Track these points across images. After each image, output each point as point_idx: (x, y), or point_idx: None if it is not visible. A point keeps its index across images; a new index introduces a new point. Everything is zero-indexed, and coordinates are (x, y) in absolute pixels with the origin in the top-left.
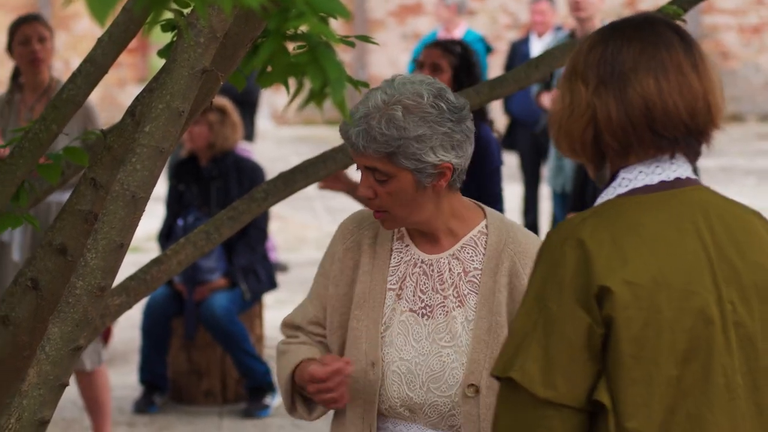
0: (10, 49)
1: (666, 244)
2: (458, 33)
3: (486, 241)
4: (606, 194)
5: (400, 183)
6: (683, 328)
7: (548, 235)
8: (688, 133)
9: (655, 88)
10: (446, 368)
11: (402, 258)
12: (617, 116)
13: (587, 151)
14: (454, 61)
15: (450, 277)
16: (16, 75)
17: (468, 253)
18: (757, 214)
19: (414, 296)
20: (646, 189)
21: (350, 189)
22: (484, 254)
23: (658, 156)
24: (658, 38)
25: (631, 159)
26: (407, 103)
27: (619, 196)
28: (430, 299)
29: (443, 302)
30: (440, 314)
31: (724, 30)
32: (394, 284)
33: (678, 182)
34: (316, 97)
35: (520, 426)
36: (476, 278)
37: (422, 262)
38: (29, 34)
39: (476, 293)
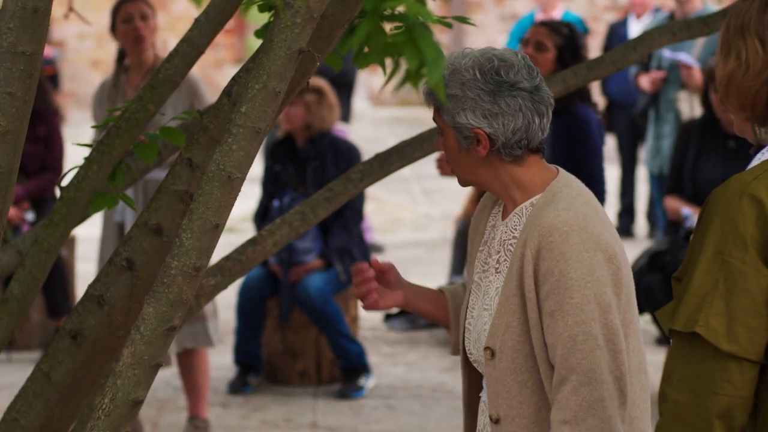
0: (113, 28)
1: None
2: (556, 14)
3: (530, 213)
4: (767, 152)
5: (447, 139)
6: None
7: (718, 191)
8: None
9: None
10: (481, 330)
11: (490, 222)
12: None
13: (757, 110)
14: (560, 41)
15: (498, 244)
16: (121, 57)
17: (514, 222)
18: None
19: (485, 258)
20: None
21: None
22: (524, 225)
23: None
24: None
25: None
26: (455, 65)
27: None
28: (487, 263)
29: (492, 267)
30: (489, 278)
31: None
32: (481, 247)
33: None
34: (413, 77)
35: (700, 378)
36: (512, 247)
37: (493, 227)
38: (131, 12)
39: (508, 261)
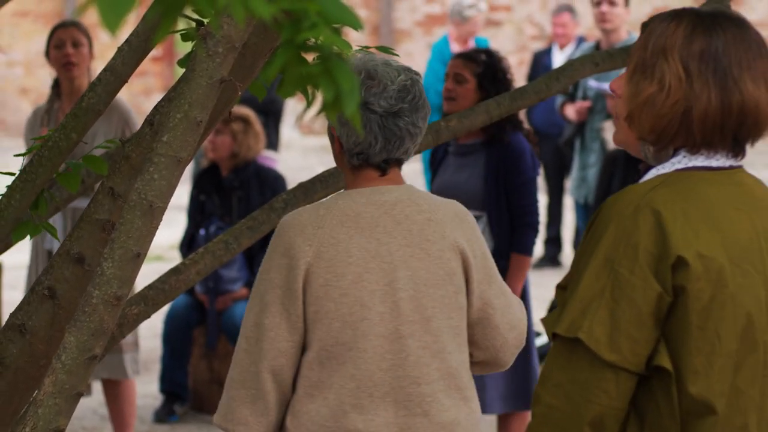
0: (47, 53)
1: (728, 222)
2: (471, 44)
3: None
4: (663, 167)
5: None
6: (742, 304)
7: (613, 199)
8: (759, 137)
9: (755, 95)
10: None
11: None
12: (714, 114)
13: (665, 136)
14: (478, 69)
15: None
16: (56, 84)
17: None
18: None
19: None
20: (706, 168)
21: None
22: None
23: (724, 155)
24: (755, 44)
25: (701, 152)
26: (353, 63)
27: (679, 169)
28: None
29: None
30: None
31: None
32: None
33: (730, 168)
34: (329, 108)
35: (576, 385)
36: None
37: None
38: (63, 38)
39: None
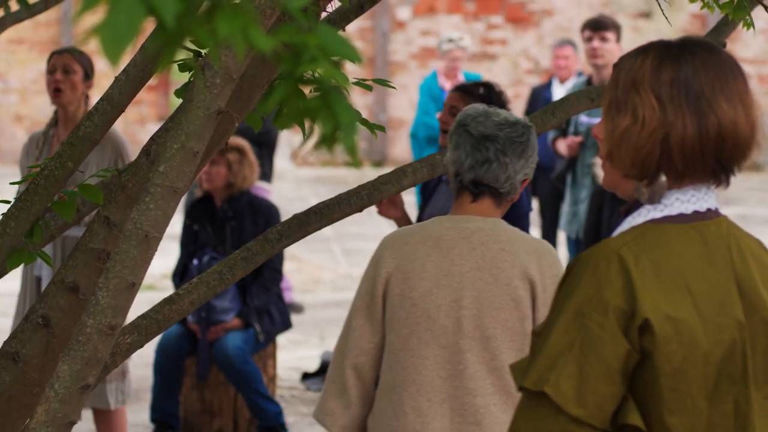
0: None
1: (700, 277)
2: (460, 77)
3: None
4: (639, 215)
5: None
6: (715, 360)
7: (587, 253)
8: (742, 161)
9: (731, 117)
10: None
11: None
12: (692, 140)
13: (647, 168)
14: (474, 102)
15: None
16: (56, 111)
17: None
18: (767, 249)
19: None
20: (681, 218)
21: (402, 218)
22: None
23: (708, 183)
24: (726, 66)
25: (686, 183)
26: None
27: (653, 220)
28: None
29: None
30: None
31: None
32: None
33: (708, 213)
34: (327, 141)
35: None
36: None
37: None
38: (55, 64)
39: None
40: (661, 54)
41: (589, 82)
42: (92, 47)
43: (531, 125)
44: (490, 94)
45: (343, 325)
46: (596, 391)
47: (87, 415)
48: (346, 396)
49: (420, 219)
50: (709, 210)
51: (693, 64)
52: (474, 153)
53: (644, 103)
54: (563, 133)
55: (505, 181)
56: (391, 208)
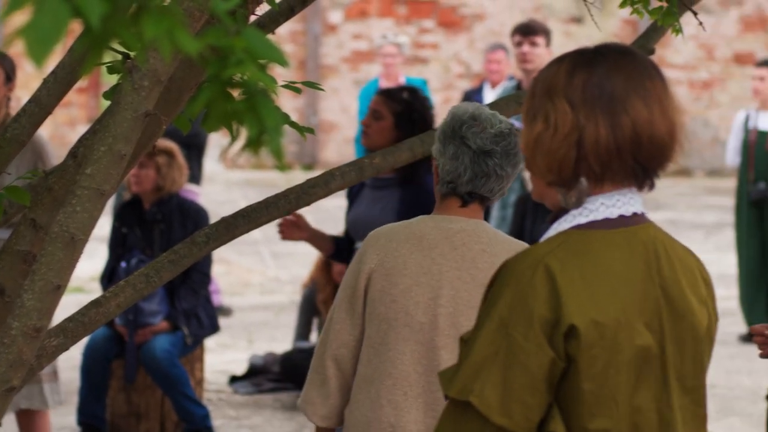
0: None
1: (625, 283)
2: (402, 80)
3: None
4: (565, 221)
5: None
6: (636, 365)
7: (513, 260)
8: (664, 163)
9: (646, 115)
10: None
11: None
12: (606, 140)
13: (564, 172)
14: (397, 108)
15: None
16: None
17: None
18: (694, 256)
19: None
20: (606, 223)
21: (311, 237)
22: None
23: (630, 185)
24: (641, 67)
25: (606, 185)
26: None
27: (579, 226)
28: None
29: None
30: None
31: (674, 85)
32: None
33: (634, 218)
34: (253, 144)
35: None
36: None
37: None
38: None
39: None
40: (575, 60)
41: (518, 86)
42: (19, 49)
43: (518, 132)
44: (414, 99)
45: (326, 318)
46: (521, 400)
47: (8, 419)
48: (327, 387)
49: (346, 222)
50: (635, 214)
51: (605, 66)
52: (473, 167)
53: (557, 108)
54: None
55: (498, 191)
56: (295, 231)
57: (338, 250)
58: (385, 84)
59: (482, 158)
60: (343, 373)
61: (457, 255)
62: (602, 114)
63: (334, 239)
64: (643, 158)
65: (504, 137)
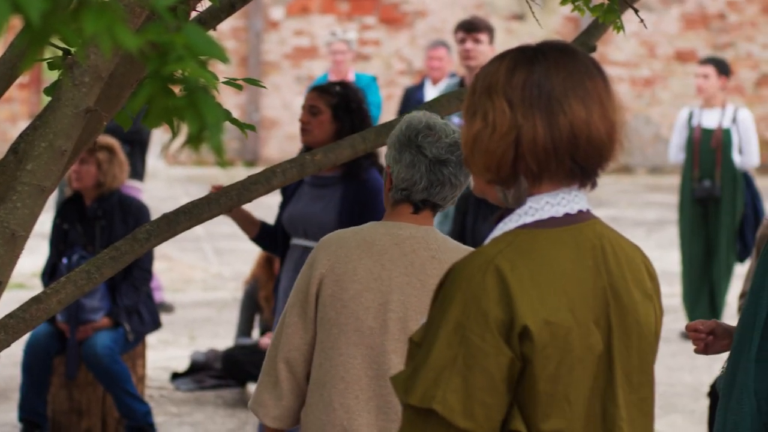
0: None
1: (575, 281)
2: (350, 76)
3: None
4: (511, 221)
5: None
6: (588, 364)
7: (461, 263)
8: (603, 163)
9: (584, 116)
10: None
11: None
12: (543, 140)
13: (502, 171)
14: (333, 101)
15: None
16: None
17: None
18: (640, 251)
19: None
20: (552, 221)
21: (237, 217)
22: None
23: (569, 184)
24: (582, 66)
25: (544, 185)
26: None
27: (525, 225)
28: None
29: None
30: None
31: (616, 82)
32: None
33: (580, 215)
34: (194, 140)
35: None
36: None
37: None
38: None
39: None
40: (515, 58)
41: (461, 83)
42: None
43: None
44: (347, 93)
45: (278, 320)
46: (483, 402)
47: None
48: (279, 389)
49: (279, 218)
50: (580, 212)
51: (545, 65)
52: (429, 175)
53: (495, 107)
54: None
55: (450, 199)
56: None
57: (262, 236)
58: (334, 80)
59: (438, 167)
60: (294, 375)
61: (406, 261)
62: (540, 114)
63: (262, 224)
64: (581, 158)
65: (458, 146)
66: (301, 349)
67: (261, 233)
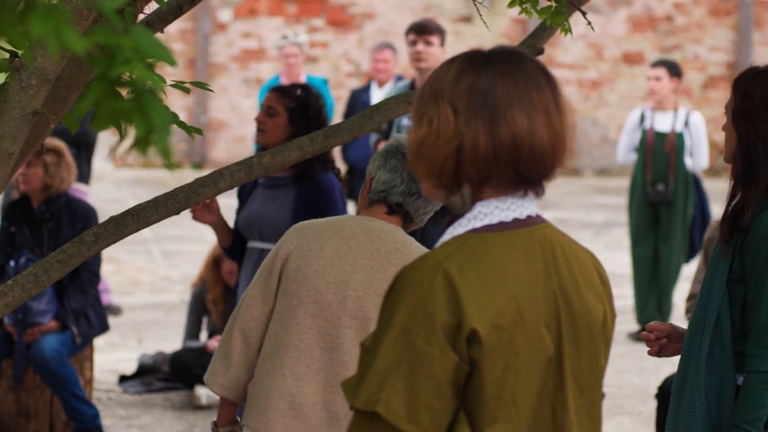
0: None
1: (524, 285)
2: (302, 78)
3: None
4: (460, 225)
5: None
6: (536, 368)
7: (410, 267)
8: (547, 173)
9: (527, 127)
10: None
11: None
12: (484, 149)
13: (445, 177)
14: (290, 104)
15: None
16: None
17: None
18: (591, 255)
19: None
20: (501, 226)
21: (218, 223)
22: None
23: (512, 193)
24: (529, 75)
25: (486, 192)
26: None
27: (474, 230)
28: None
29: None
30: None
31: (564, 84)
32: None
33: (529, 220)
34: (141, 143)
35: None
36: None
37: None
38: None
39: None
40: (463, 64)
41: (412, 85)
42: None
43: None
44: (308, 98)
45: (240, 299)
46: (428, 406)
47: None
48: (229, 358)
49: (237, 222)
50: (529, 217)
51: (492, 74)
52: (409, 183)
53: (440, 113)
54: (386, 136)
55: (422, 215)
56: (207, 213)
57: (233, 246)
58: (286, 83)
59: (416, 179)
60: (248, 347)
61: (372, 247)
62: (483, 122)
63: (235, 233)
64: (524, 168)
65: None
66: (258, 320)
67: (232, 244)
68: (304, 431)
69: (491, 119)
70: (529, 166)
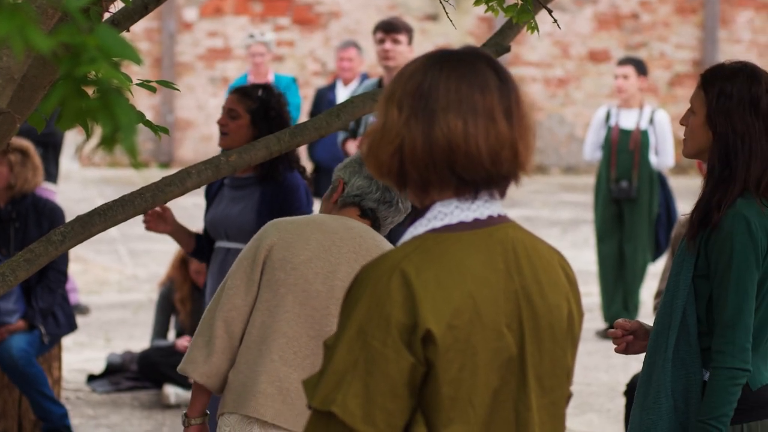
0: None
1: (484, 285)
2: (270, 77)
3: None
4: (420, 225)
5: None
6: (495, 367)
7: (369, 266)
8: (489, 178)
9: (462, 132)
10: None
11: None
12: (421, 151)
13: (392, 176)
14: (253, 105)
15: None
16: None
17: None
18: (557, 254)
19: None
20: (461, 226)
21: (175, 231)
22: None
23: (459, 196)
24: (476, 78)
25: (432, 194)
26: None
27: (434, 230)
28: None
29: None
30: None
31: (530, 82)
32: None
33: (491, 220)
34: (107, 142)
35: None
36: None
37: None
38: None
39: None
40: (419, 64)
41: (380, 83)
42: None
43: None
44: (269, 96)
45: (217, 290)
46: (384, 407)
47: None
48: (211, 346)
49: (205, 222)
50: (491, 217)
51: (440, 74)
52: (384, 192)
53: (389, 113)
54: (353, 134)
55: (389, 224)
56: (160, 223)
57: (199, 248)
58: (254, 81)
59: (390, 189)
60: (230, 336)
61: (355, 243)
62: (422, 124)
63: (197, 236)
64: (462, 172)
65: None
66: (241, 309)
67: (197, 246)
68: (291, 416)
69: (428, 121)
70: (468, 171)
